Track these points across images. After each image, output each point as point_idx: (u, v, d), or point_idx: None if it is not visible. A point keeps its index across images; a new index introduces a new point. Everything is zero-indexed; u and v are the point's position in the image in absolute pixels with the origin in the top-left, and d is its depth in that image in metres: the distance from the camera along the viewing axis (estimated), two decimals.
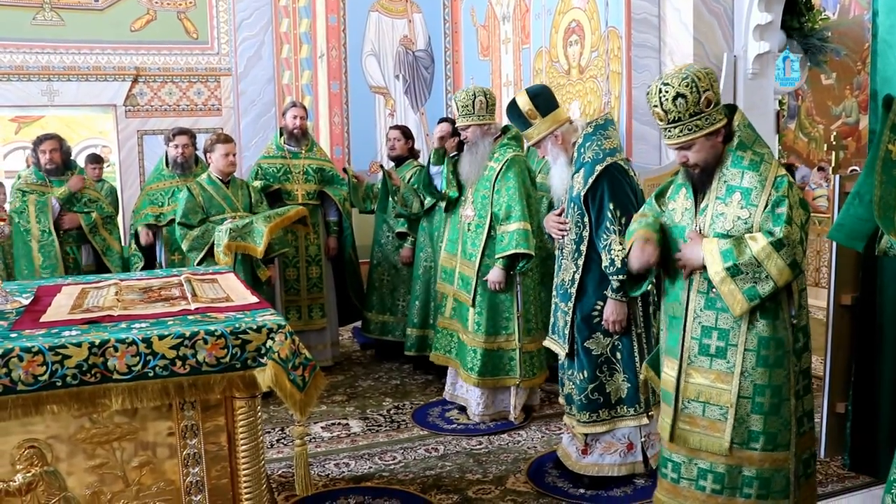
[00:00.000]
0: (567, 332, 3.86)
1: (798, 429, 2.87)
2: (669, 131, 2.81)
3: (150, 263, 5.89)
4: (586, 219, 3.74)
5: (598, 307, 3.77)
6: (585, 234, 3.76)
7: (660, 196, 3.16)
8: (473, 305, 4.78)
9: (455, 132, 5.65)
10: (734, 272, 2.72)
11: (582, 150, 3.79)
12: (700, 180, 2.91)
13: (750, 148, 2.83)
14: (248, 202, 5.58)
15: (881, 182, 2.44)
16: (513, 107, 3.91)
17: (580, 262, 3.79)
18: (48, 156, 5.35)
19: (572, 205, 3.82)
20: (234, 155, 5.54)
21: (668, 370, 3.03)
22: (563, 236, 3.91)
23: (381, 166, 6.32)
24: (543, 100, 3.89)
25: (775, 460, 2.82)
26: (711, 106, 2.77)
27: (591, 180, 3.69)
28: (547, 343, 4.14)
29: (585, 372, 3.82)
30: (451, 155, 5.76)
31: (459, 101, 4.74)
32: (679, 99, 2.73)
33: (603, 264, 3.66)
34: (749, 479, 2.85)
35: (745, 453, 2.83)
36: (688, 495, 2.95)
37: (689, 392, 2.91)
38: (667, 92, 2.75)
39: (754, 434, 2.81)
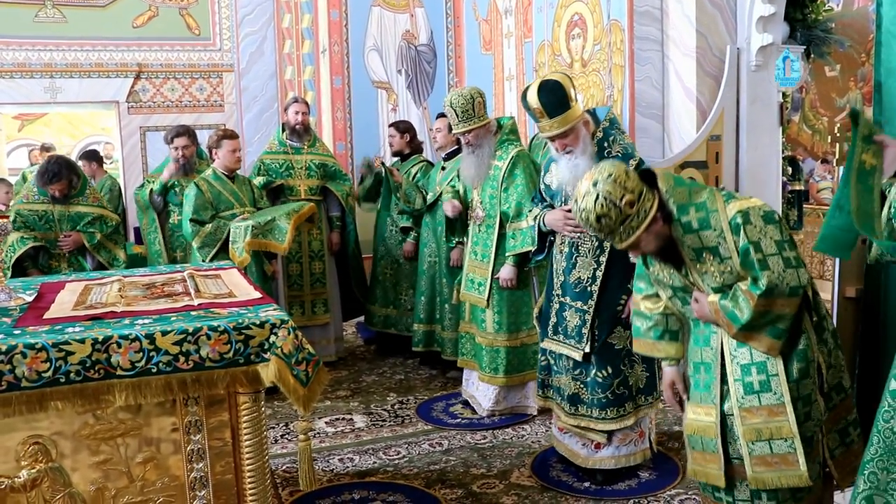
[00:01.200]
0: (586, 331, 3.79)
1: (827, 403, 2.82)
2: (611, 240, 2.77)
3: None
4: None
5: (623, 301, 3.75)
6: None
7: (646, 264, 3.06)
8: (489, 306, 4.74)
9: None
10: (748, 328, 2.68)
11: (605, 144, 3.73)
12: (667, 259, 2.85)
13: (691, 205, 2.74)
14: (252, 197, 5.60)
15: (857, 192, 2.43)
16: (556, 89, 3.62)
17: (603, 259, 3.74)
18: (57, 193, 5.17)
19: None
20: (239, 150, 5.54)
21: (702, 415, 2.93)
22: (579, 234, 3.79)
23: (383, 163, 6.31)
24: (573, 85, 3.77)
25: (813, 457, 2.78)
26: (636, 203, 2.67)
27: None
28: (548, 345, 4.03)
29: (609, 368, 3.79)
30: (449, 152, 5.76)
31: (459, 107, 4.56)
32: (602, 219, 2.66)
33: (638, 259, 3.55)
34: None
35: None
36: None
37: (750, 435, 2.80)
38: (587, 216, 2.68)
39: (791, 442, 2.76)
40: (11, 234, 5.04)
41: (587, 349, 3.79)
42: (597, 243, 3.75)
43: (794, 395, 2.72)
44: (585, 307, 3.80)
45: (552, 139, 3.71)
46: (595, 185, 2.67)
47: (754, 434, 2.78)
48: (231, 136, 5.53)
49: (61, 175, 5.09)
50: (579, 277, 3.83)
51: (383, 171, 6.17)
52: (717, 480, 2.89)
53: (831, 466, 2.84)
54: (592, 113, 3.86)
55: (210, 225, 5.27)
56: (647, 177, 2.75)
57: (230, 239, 5.17)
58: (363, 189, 6.40)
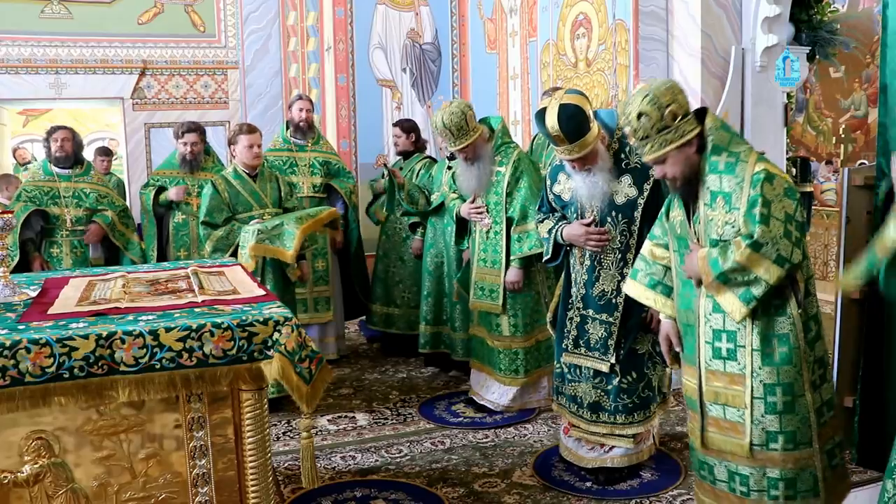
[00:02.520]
0: (612, 343, 3.77)
1: (818, 419, 2.83)
2: (642, 148, 2.87)
3: (158, 258, 5.89)
4: (635, 226, 3.65)
5: (646, 309, 3.71)
6: (632, 242, 3.69)
7: (668, 212, 3.15)
8: (504, 311, 4.74)
9: None
10: (724, 279, 2.73)
11: (622, 155, 3.70)
12: (684, 192, 2.92)
13: (725, 150, 2.82)
14: (278, 196, 5.31)
15: None
16: (575, 115, 3.53)
17: (627, 271, 3.68)
18: (59, 144, 5.29)
19: (614, 213, 3.69)
20: (258, 146, 5.20)
21: (689, 377, 3.04)
22: (601, 248, 3.75)
23: (385, 164, 6.30)
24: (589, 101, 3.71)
25: (798, 459, 2.78)
26: (678, 119, 2.78)
27: (647, 186, 3.64)
28: (571, 360, 3.95)
29: (634, 373, 3.79)
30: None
31: (454, 126, 4.50)
32: (642, 117, 2.78)
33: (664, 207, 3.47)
34: (774, 481, 2.81)
35: (767, 454, 2.80)
36: (722, 496, 2.93)
37: (709, 396, 2.91)
38: (630, 111, 2.80)
39: (772, 434, 2.78)
40: (16, 205, 5.15)
41: (613, 360, 3.77)
42: (619, 255, 3.73)
43: (774, 381, 2.76)
44: (612, 319, 3.78)
45: (570, 160, 3.66)
46: (651, 85, 2.82)
47: (713, 396, 2.89)
48: (248, 130, 5.18)
49: (64, 126, 5.37)
50: (603, 290, 3.79)
51: (385, 171, 6.16)
52: (696, 438, 3.01)
53: (821, 488, 2.84)
54: (598, 116, 3.75)
55: (223, 229, 5.01)
56: (699, 113, 2.89)
57: (239, 243, 4.89)
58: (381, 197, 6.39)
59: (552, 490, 3.85)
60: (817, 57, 5.78)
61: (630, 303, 3.72)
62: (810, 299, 2.83)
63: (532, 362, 4.78)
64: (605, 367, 3.80)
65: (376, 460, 4.26)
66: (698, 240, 2.89)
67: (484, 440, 4.51)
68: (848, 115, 10.95)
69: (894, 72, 3.71)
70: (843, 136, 8.20)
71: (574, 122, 3.53)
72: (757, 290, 2.70)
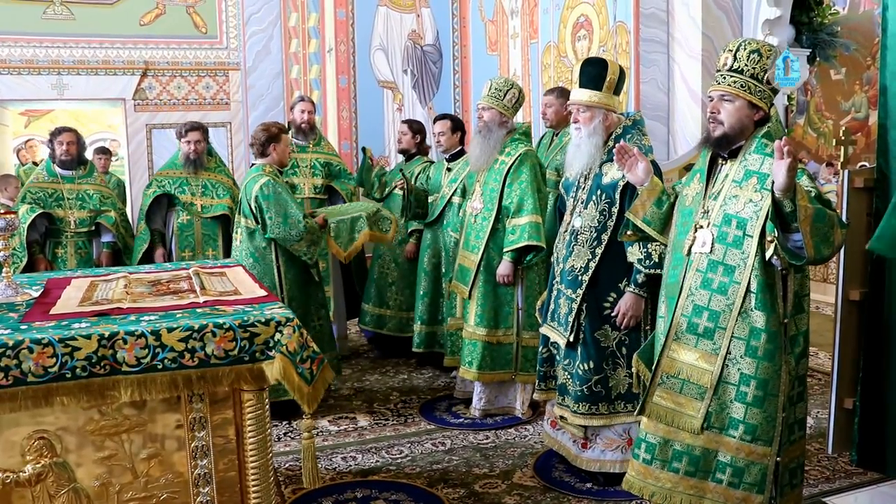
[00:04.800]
0: (571, 320, 3.81)
1: (789, 436, 2.87)
2: (724, 77, 2.88)
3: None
4: (615, 208, 3.69)
5: (611, 299, 3.74)
6: (610, 223, 3.71)
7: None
8: (470, 297, 4.79)
9: (456, 128, 5.69)
10: (819, 217, 2.56)
11: (621, 142, 3.76)
12: (714, 144, 2.93)
13: (774, 141, 2.85)
14: None
15: None
16: (598, 64, 3.76)
17: (598, 251, 3.74)
18: (65, 147, 5.36)
19: (598, 192, 3.76)
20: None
21: (657, 348, 3.04)
22: (579, 225, 3.81)
23: (402, 173, 6.08)
24: (623, 82, 3.84)
25: (752, 452, 2.81)
26: (769, 86, 2.86)
27: None
28: (544, 330, 4.06)
29: (591, 363, 3.79)
30: (453, 153, 5.78)
31: (494, 84, 4.78)
32: (753, 55, 2.84)
33: (635, 257, 3.55)
34: (723, 465, 2.84)
35: (723, 439, 2.83)
36: (659, 476, 2.93)
37: (670, 367, 2.91)
38: (750, 44, 2.86)
39: (734, 421, 2.81)
40: (21, 206, 5.19)
41: (571, 338, 3.81)
42: (595, 234, 3.76)
43: (751, 373, 2.77)
44: (574, 295, 3.81)
45: (572, 103, 3.85)
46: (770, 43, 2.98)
47: (674, 369, 2.90)
48: (287, 130, 5.27)
49: (69, 128, 5.47)
50: (573, 265, 3.83)
51: (399, 177, 6.03)
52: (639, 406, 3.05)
53: (767, 489, 2.86)
54: (626, 113, 3.93)
55: (309, 221, 4.79)
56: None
57: (331, 234, 4.88)
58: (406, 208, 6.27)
59: (553, 491, 3.85)
60: (818, 59, 5.79)
61: (594, 286, 3.77)
62: (803, 316, 2.86)
63: (488, 361, 4.77)
64: (562, 341, 3.85)
65: (377, 461, 4.27)
66: (707, 212, 2.91)
67: (484, 441, 4.52)
68: (849, 117, 10.97)
69: (894, 74, 3.71)
70: (843, 137, 8.25)
71: (593, 67, 3.76)
72: (827, 250, 2.60)
